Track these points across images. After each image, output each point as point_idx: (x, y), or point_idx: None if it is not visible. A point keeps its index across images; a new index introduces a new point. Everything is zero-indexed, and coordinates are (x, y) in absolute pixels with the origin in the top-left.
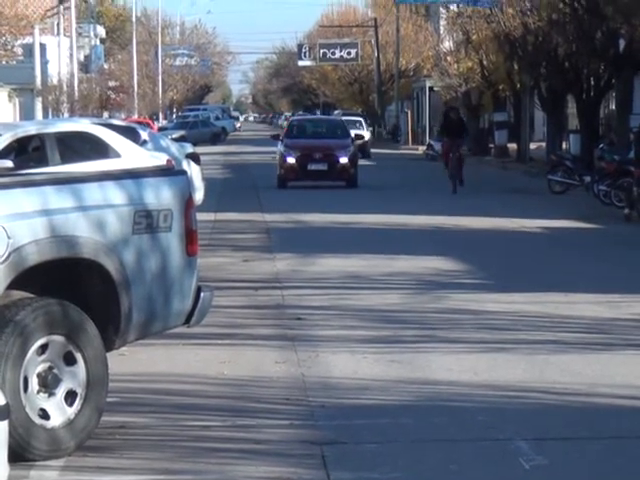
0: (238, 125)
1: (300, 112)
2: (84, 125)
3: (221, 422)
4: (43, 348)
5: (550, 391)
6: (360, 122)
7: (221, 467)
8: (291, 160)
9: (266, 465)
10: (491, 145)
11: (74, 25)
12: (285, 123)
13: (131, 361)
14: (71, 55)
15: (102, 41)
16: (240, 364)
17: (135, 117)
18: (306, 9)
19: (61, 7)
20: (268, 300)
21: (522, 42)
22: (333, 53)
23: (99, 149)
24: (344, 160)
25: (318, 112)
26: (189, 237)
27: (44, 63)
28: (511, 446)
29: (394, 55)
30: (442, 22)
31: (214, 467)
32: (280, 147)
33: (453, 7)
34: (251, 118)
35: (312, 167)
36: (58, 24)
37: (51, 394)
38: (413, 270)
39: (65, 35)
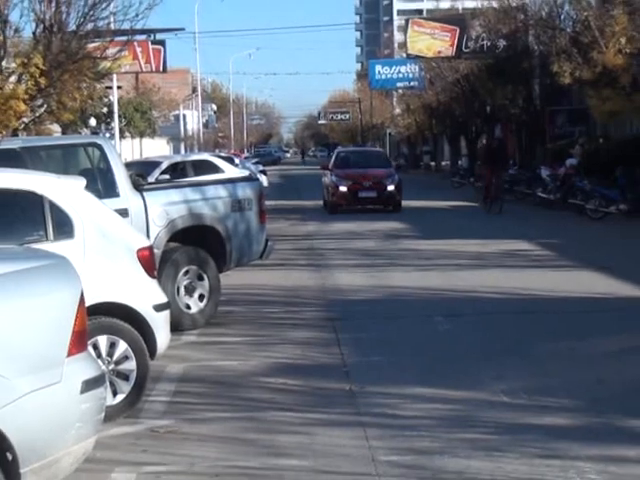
0: (287, 155)
1: (320, 147)
2: (206, 156)
3: (280, 309)
4: (186, 272)
5: (453, 290)
6: None
7: (280, 333)
8: (343, 188)
9: (304, 331)
10: (421, 163)
11: (200, 104)
12: (312, 153)
13: (232, 278)
14: (198, 120)
15: (214, 112)
16: (289, 279)
17: (232, 151)
18: (321, 94)
19: (193, 95)
20: (304, 245)
21: (437, 108)
22: (337, 116)
23: (213, 168)
24: (391, 187)
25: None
26: (261, 213)
27: (184, 124)
28: (433, 319)
29: (370, 116)
30: (395, 98)
31: (277, 333)
32: (331, 176)
33: (400, 90)
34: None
35: (362, 194)
36: (192, 103)
37: (191, 296)
38: (381, 228)
39: (195, 109)
